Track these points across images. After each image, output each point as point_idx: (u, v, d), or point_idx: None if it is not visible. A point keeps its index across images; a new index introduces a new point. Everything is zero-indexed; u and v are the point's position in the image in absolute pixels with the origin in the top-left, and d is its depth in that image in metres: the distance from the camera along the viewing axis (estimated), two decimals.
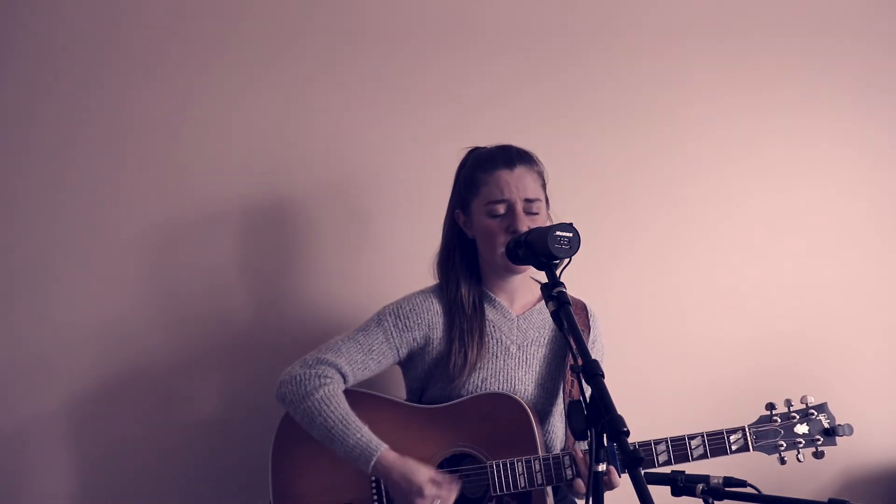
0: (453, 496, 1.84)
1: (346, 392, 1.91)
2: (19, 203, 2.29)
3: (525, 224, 1.88)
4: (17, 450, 2.25)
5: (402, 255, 2.37)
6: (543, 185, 1.98)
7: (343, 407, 1.86)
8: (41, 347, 2.27)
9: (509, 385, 1.96)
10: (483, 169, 1.95)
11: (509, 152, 1.97)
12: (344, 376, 1.91)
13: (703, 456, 1.85)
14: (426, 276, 2.06)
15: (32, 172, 2.30)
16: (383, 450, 1.82)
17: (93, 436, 2.28)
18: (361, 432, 1.84)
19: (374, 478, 1.91)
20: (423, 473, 1.82)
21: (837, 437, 1.87)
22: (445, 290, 1.99)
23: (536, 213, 1.92)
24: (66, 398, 2.27)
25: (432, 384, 1.98)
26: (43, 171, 2.30)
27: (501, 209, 1.91)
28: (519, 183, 1.91)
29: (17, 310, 2.27)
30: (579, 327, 1.99)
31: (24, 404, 2.26)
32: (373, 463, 1.81)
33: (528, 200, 1.91)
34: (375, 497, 1.91)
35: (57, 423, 2.27)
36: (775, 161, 2.61)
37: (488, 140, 2.04)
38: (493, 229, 1.91)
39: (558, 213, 1.97)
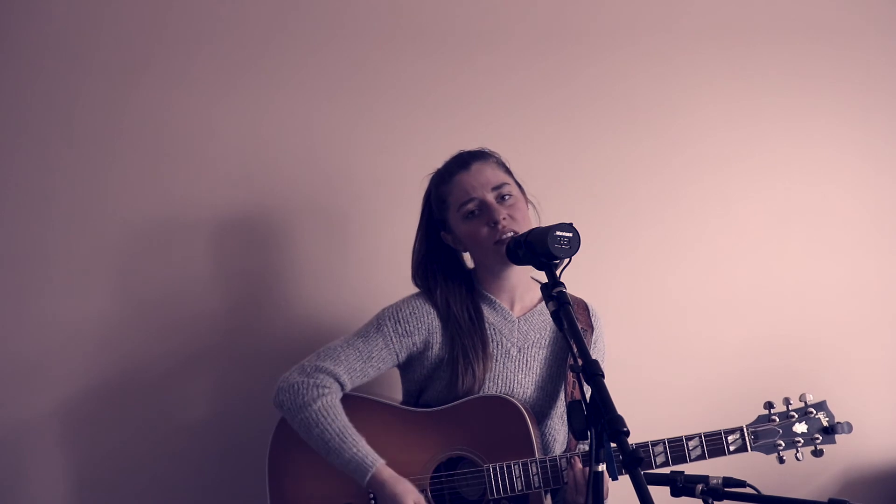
0: None
1: (343, 396, 1.90)
2: (5, 206, 2.28)
3: (503, 212, 1.88)
4: (10, 454, 2.24)
5: (390, 257, 2.34)
6: (507, 171, 1.99)
7: (340, 419, 1.85)
8: (33, 350, 2.26)
9: (508, 388, 1.95)
10: (443, 182, 1.98)
11: (461, 157, 1.99)
12: (342, 385, 1.90)
13: (701, 457, 1.84)
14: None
15: (18, 175, 2.29)
16: (379, 466, 1.82)
17: (87, 439, 2.27)
18: (358, 447, 1.83)
19: None
20: (409, 500, 1.81)
21: (837, 436, 1.85)
22: (437, 306, 1.97)
23: (510, 196, 1.92)
24: (58, 402, 2.26)
25: (430, 387, 1.97)
26: (29, 175, 2.29)
27: (473, 206, 1.91)
28: (479, 178, 1.92)
29: (8, 313, 2.26)
30: (582, 327, 2.00)
31: (16, 408, 2.25)
32: (367, 479, 1.81)
33: (495, 188, 1.92)
34: (373, 499, 1.90)
35: (49, 427, 2.26)
36: (775, 162, 2.60)
37: (475, 142, 2.04)
38: (474, 229, 1.91)
39: (559, 213, 1.94)
